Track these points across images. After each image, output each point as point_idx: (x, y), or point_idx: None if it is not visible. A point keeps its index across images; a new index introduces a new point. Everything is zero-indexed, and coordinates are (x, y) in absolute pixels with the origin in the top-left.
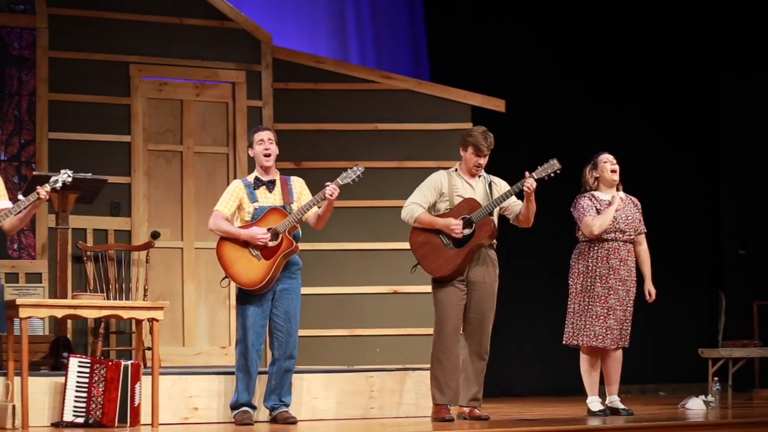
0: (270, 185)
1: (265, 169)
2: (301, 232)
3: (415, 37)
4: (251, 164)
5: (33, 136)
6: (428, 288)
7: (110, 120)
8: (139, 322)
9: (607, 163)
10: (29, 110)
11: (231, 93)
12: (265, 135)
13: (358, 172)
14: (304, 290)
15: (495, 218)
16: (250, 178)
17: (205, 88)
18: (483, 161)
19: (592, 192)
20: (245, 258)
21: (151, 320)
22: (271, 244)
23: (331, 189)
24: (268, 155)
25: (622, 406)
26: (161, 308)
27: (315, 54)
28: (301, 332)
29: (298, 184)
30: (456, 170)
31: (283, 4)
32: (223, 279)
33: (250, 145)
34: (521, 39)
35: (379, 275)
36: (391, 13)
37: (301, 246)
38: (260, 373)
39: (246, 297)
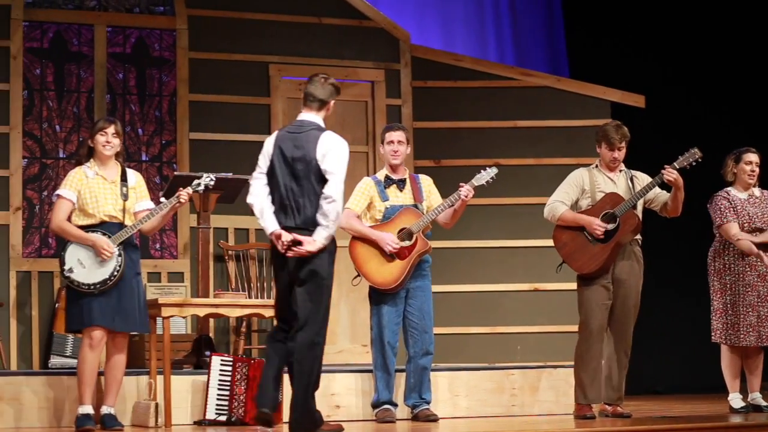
0: (400, 184)
1: (394, 168)
2: (431, 231)
3: (554, 34)
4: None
5: (174, 137)
6: (569, 285)
7: (250, 120)
8: None
9: (749, 165)
10: (170, 111)
11: (370, 92)
12: (395, 136)
13: (492, 174)
14: (445, 288)
15: (639, 213)
16: (380, 176)
17: (344, 87)
18: (618, 154)
19: (728, 190)
20: (378, 257)
21: None
22: (404, 244)
23: (466, 190)
24: (396, 155)
25: (764, 403)
26: None
27: (453, 52)
28: (442, 330)
29: (426, 182)
30: (596, 166)
31: (421, 1)
32: (356, 277)
33: (381, 143)
34: (660, 33)
35: (519, 272)
36: (530, 10)
37: (441, 244)
38: (398, 371)
39: (379, 296)
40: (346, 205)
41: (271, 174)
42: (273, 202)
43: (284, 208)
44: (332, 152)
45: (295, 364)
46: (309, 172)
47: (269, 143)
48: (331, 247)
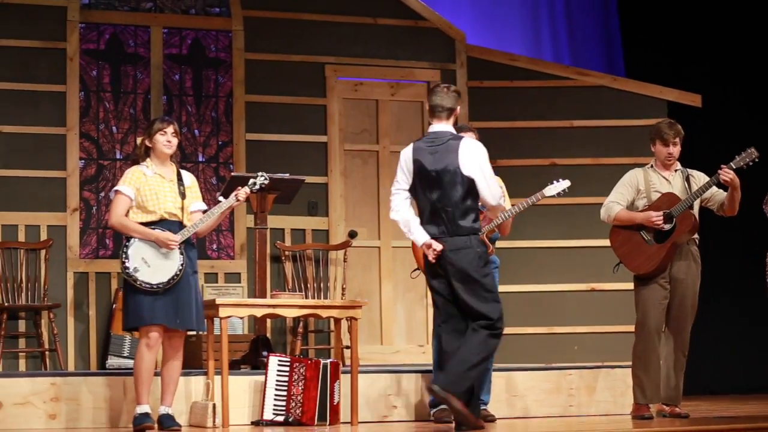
0: None
1: None
2: (498, 234)
3: (610, 32)
4: None
5: (230, 138)
6: (626, 285)
7: (307, 121)
8: (337, 320)
9: None
10: (226, 112)
11: (426, 92)
12: (468, 137)
13: (565, 186)
14: (502, 288)
15: (696, 212)
16: None
17: (400, 87)
18: (673, 150)
19: None
20: None
21: (350, 319)
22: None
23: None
24: None
25: None
26: (360, 307)
27: (509, 52)
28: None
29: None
30: (651, 166)
31: (476, 1)
32: (414, 271)
33: None
34: (716, 32)
35: (577, 272)
36: (585, 9)
37: (498, 245)
38: None
39: None
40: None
41: (413, 188)
42: (420, 214)
43: (435, 219)
44: (473, 157)
45: (470, 353)
46: (455, 182)
47: (407, 158)
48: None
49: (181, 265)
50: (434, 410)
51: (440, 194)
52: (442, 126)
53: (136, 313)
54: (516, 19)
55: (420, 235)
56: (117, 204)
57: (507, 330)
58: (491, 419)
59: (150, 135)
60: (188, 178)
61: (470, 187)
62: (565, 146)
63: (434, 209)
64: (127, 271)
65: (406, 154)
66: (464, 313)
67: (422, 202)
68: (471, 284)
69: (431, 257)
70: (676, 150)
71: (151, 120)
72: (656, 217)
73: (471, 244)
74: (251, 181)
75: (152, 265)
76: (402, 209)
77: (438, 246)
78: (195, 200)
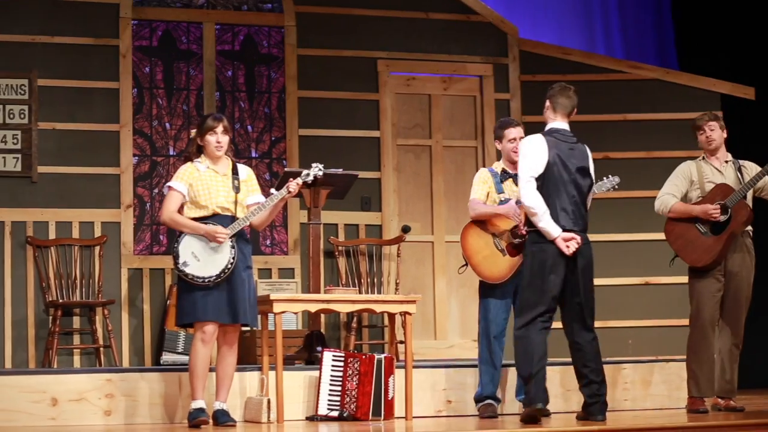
0: (516, 178)
1: (513, 163)
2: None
3: (662, 25)
4: (499, 157)
5: (283, 133)
6: (681, 278)
7: (359, 116)
8: (391, 315)
9: None
10: (279, 108)
11: (478, 86)
12: (517, 132)
13: (615, 183)
14: None
15: (749, 203)
16: (497, 168)
17: (452, 82)
18: (710, 133)
19: None
20: (489, 250)
21: (404, 314)
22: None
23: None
24: (517, 152)
25: None
26: (414, 302)
27: (561, 45)
28: (553, 324)
29: None
30: (703, 158)
31: None
32: (462, 266)
33: (499, 140)
34: None
35: (631, 266)
36: (638, 1)
37: None
38: (506, 365)
39: (488, 289)
40: (471, 197)
41: (547, 179)
42: (550, 206)
43: (568, 212)
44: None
45: (594, 354)
46: (586, 181)
47: (543, 150)
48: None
49: (232, 259)
50: (479, 405)
51: (576, 189)
52: (567, 125)
53: (190, 308)
54: (568, 12)
55: (554, 227)
56: (169, 200)
57: (560, 324)
58: (546, 414)
59: (201, 134)
60: (244, 171)
61: (590, 187)
62: (619, 140)
63: (568, 203)
64: (177, 265)
65: (540, 145)
66: (570, 310)
67: (554, 195)
68: (591, 281)
69: (572, 250)
70: (714, 134)
71: (202, 117)
72: (713, 209)
73: (589, 241)
74: (305, 172)
75: (202, 259)
76: (538, 196)
77: (579, 238)
78: (252, 193)
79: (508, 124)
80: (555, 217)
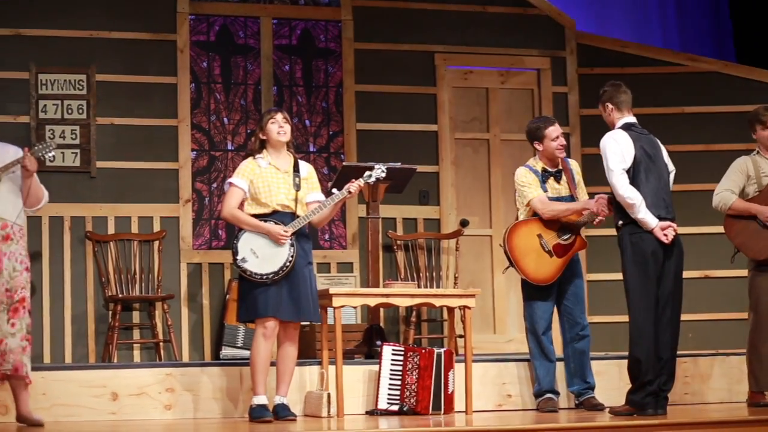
0: (557, 176)
1: (554, 162)
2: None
3: (719, 17)
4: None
5: (341, 128)
6: (740, 272)
7: (417, 110)
8: (450, 309)
9: None
10: (336, 102)
11: (536, 80)
12: (559, 130)
13: None
14: (613, 276)
15: None
16: (537, 167)
17: (509, 75)
18: None
19: None
20: (536, 252)
21: (463, 308)
22: (562, 241)
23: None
24: (563, 150)
25: None
26: (473, 296)
27: (619, 38)
28: (605, 318)
29: (576, 168)
30: (757, 152)
31: None
32: (506, 268)
33: (539, 140)
34: None
35: (689, 259)
36: None
37: (607, 232)
38: (557, 360)
39: (533, 290)
40: (530, 197)
41: (636, 172)
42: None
43: (659, 202)
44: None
45: (672, 346)
46: (666, 170)
47: (629, 144)
48: None
49: (291, 256)
50: (539, 399)
51: (662, 179)
52: (635, 118)
53: (250, 305)
54: (624, 3)
55: (651, 217)
56: (229, 196)
57: (621, 318)
58: (600, 407)
59: (262, 127)
60: (306, 169)
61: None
62: (677, 133)
63: (658, 192)
64: (236, 261)
65: (625, 139)
66: (664, 299)
67: (644, 186)
68: (682, 270)
69: (670, 238)
70: None
71: (262, 112)
72: None
73: None
74: (367, 173)
75: (260, 255)
76: (632, 188)
77: (675, 226)
78: (312, 191)
79: (548, 122)
80: (648, 207)
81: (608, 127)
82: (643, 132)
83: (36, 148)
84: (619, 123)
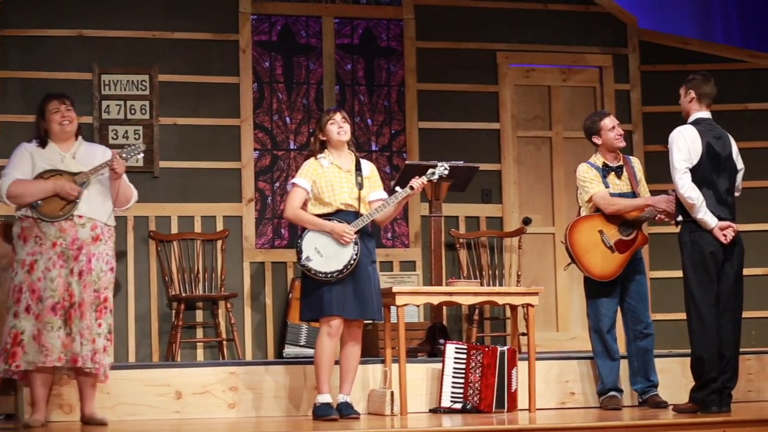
0: (618, 171)
1: (615, 155)
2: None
3: None
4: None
5: (403, 126)
6: None
7: (479, 108)
8: (513, 307)
9: None
10: (398, 101)
11: (598, 77)
12: (616, 120)
13: None
14: (672, 274)
15: None
16: (597, 162)
17: (571, 73)
18: None
19: None
20: (599, 248)
21: (526, 306)
22: (624, 237)
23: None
24: (621, 139)
25: None
26: (536, 294)
27: (681, 35)
28: (663, 316)
29: (638, 165)
30: None
31: None
32: (568, 265)
33: (596, 134)
34: None
35: (753, 256)
36: None
37: (670, 229)
38: (621, 357)
39: (596, 287)
40: (592, 194)
41: (701, 169)
42: (704, 195)
43: (722, 203)
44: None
45: (735, 343)
46: (734, 170)
47: (697, 140)
48: None
49: (355, 255)
50: (603, 398)
51: (727, 178)
52: (710, 114)
53: (314, 304)
54: (685, 0)
55: (711, 217)
56: (292, 196)
57: (685, 315)
58: (663, 405)
59: (321, 128)
60: (367, 167)
61: (736, 176)
62: (740, 129)
63: (721, 192)
64: (300, 260)
65: (694, 136)
66: (725, 298)
67: (707, 185)
68: (742, 269)
69: (729, 238)
70: None
71: (321, 112)
72: None
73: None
74: (430, 170)
75: (324, 254)
76: (694, 188)
77: (735, 226)
78: (375, 189)
79: (603, 115)
80: (709, 207)
81: (672, 124)
82: (715, 128)
83: (124, 150)
84: (693, 117)
